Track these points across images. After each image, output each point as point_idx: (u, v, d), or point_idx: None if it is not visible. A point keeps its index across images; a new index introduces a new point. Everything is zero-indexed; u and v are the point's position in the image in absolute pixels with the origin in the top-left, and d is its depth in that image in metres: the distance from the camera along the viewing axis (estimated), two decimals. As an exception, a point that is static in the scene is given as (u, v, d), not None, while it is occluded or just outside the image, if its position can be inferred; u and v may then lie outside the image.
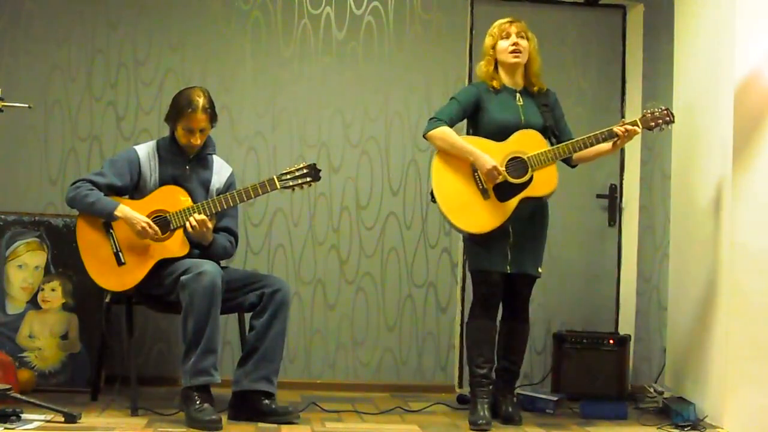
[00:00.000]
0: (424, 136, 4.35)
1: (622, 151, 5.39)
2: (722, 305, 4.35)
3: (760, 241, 4.29)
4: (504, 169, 4.21)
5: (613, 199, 5.41)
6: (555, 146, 4.28)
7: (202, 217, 4.15)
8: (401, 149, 5.22)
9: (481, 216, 4.22)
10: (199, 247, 4.28)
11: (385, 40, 5.25)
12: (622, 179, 5.43)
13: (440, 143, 4.29)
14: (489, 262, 4.26)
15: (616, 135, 4.24)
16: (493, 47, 4.35)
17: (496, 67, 4.37)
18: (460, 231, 4.36)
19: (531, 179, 4.23)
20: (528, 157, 4.22)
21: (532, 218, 4.31)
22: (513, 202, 4.21)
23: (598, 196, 5.42)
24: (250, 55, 5.16)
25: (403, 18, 5.26)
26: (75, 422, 3.88)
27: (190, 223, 4.14)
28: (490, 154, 4.22)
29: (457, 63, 5.25)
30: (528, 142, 4.26)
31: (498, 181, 4.20)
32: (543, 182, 4.24)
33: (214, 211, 4.19)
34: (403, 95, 5.23)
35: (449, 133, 4.28)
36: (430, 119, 4.34)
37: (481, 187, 4.24)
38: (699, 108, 4.75)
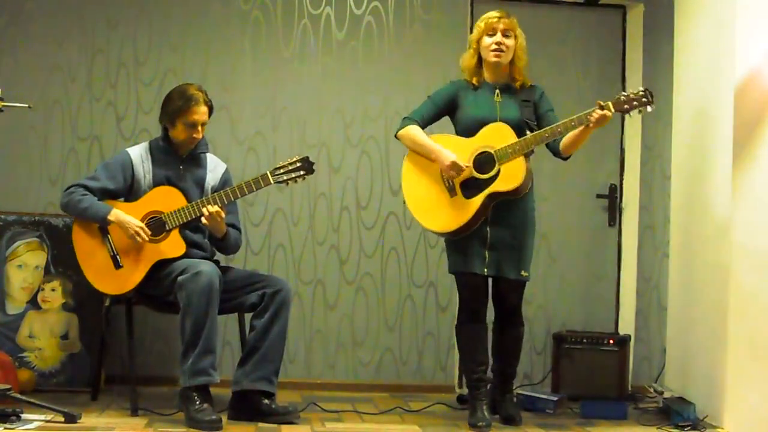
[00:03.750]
0: (395, 136, 4.36)
1: (622, 151, 5.40)
2: (722, 305, 4.35)
3: (760, 241, 4.29)
4: (471, 164, 4.16)
5: (613, 199, 5.41)
6: (521, 138, 4.16)
7: (216, 208, 4.15)
8: (401, 149, 5.17)
9: (445, 214, 4.19)
10: (201, 246, 4.29)
11: (385, 40, 5.25)
12: (622, 179, 5.42)
13: (407, 142, 4.29)
14: (466, 264, 4.22)
15: (587, 122, 4.08)
16: (478, 41, 4.29)
17: (479, 61, 4.32)
18: (428, 230, 4.33)
19: (498, 173, 4.15)
20: (495, 151, 4.15)
21: (511, 220, 4.22)
22: (478, 199, 4.14)
23: (598, 196, 5.41)
24: (250, 55, 5.16)
25: (403, 18, 5.26)
26: (75, 422, 3.88)
27: (205, 214, 4.14)
28: (458, 150, 4.17)
29: (457, 63, 5.20)
30: (496, 136, 4.18)
31: (463, 176, 4.16)
32: (509, 176, 4.13)
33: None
34: (403, 95, 5.22)
35: (415, 131, 4.26)
36: (403, 119, 4.34)
37: (448, 185, 4.20)
38: (699, 108, 4.75)
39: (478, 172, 4.16)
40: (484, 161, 4.17)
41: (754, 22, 4.34)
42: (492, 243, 4.20)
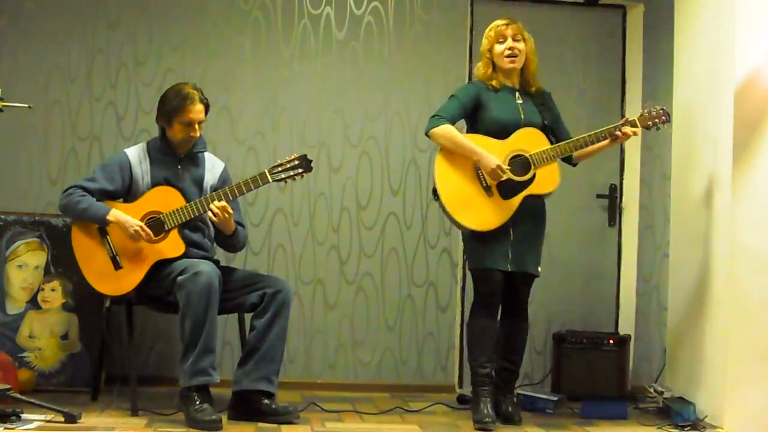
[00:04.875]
0: (426, 134, 4.34)
1: (622, 151, 5.41)
2: (722, 305, 4.35)
3: (760, 241, 4.29)
4: (507, 167, 4.23)
5: (613, 199, 5.41)
6: (557, 144, 4.31)
7: (223, 203, 4.15)
8: (401, 149, 5.22)
9: (485, 213, 4.24)
10: (201, 246, 4.29)
11: (385, 40, 5.25)
12: (622, 179, 5.43)
13: (443, 141, 4.29)
14: (490, 261, 4.27)
15: (616, 136, 4.31)
16: (490, 50, 4.37)
17: (494, 69, 4.39)
18: (464, 228, 4.33)
19: (534, 177, 4.26)
20: (530, 155, 4.26)
21: (531, 217, 4.32)
22: (516, 200, 4.24)
23: (598, 196, 5.42)
24: (250, 55, 5.16)
25: (403, 18, 5.26)
26: (75, 422, 3.88)
27: (212, 210, 4.14)
28: (492, 152, 4.24)
29: (457, 63, 5.25)
30: (529, 140, 4.29)
31: (502, 179, 4.22)
32: (546, 180, 4.28)
33: (205, 210, 4.18)
34: (403, 95, 5.22)
35: (452, 131, 4.28)
36: (432, 117, 4.34)
37: (484, 184, 4.26)
38: (699, 108, 4.75)
39: (513, 175, 4.23)
40: (519, 164, 4.26)
41: (754, 22, 4.34)
42: (515, 239, 4.27)
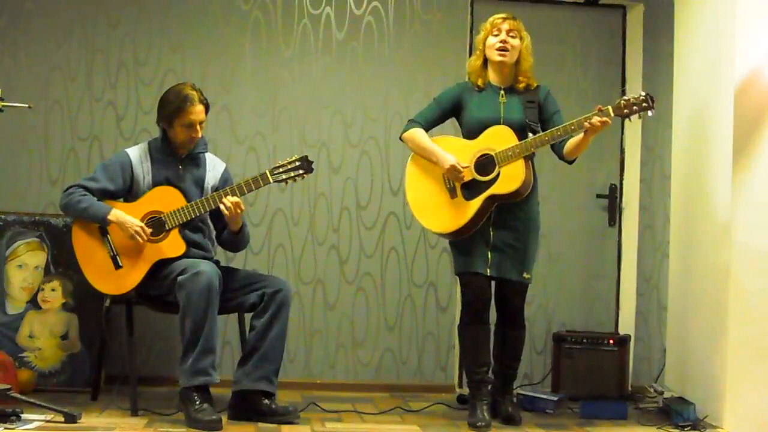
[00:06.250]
0: (400, 138, 4.40)
1: (622, 151, 5.41)
2: (722, 305, 4.35)
3: (760, 241, 4.29)
4: (472, 166, 4.18)
5: (613, 199, 5.41)
6: (522, 141, 4.16)
7: (237, 198, 4.16)
8: (401, 149, 5.19)
9: (445, 215, 4.22)
10: (201, 246, 4.29)
11: (385, 40, 5.25)
12: (622, 179, 5.43)
13: (411, 145, 4.35)
14: (469, 264, 4.24)
15: (585, 127, 4.06)
16: (484, 42, 4.31)
17: (485, 62, 4.34)
18: (432, 232, 4.37)
19: (498, 176, 4.17)
20: (495, 154, 4.17)
21: (515, 223, 4.23)
22: (477, 201, 4.17)
23: (598, 196, 5.42)
24: (250, 55, 5.16)
25: (403, 18, 5.26)
26: (75, 422, 3.88)
27: (225, 204, 4.14)
28: (460, 153, 4.20)
29: (457, 63, 5.24)
30: (497, 139, 4.19)
31: (464, 179, 4.18)
32: (508, 178, 4.15)
33: (205, 210, 4.19)
34: (403, 95, 5.22)
35: (418, 134, 4.31)
36: (407, 121, 4.39)
37: (449, 186, 4.23)
38: (699, 108, 4.75)
39: (479, 174, 4.18)
40: (486, 163, 4.19)
41: (754, 22, 4.34)
42: (495, 244, 4.22)
